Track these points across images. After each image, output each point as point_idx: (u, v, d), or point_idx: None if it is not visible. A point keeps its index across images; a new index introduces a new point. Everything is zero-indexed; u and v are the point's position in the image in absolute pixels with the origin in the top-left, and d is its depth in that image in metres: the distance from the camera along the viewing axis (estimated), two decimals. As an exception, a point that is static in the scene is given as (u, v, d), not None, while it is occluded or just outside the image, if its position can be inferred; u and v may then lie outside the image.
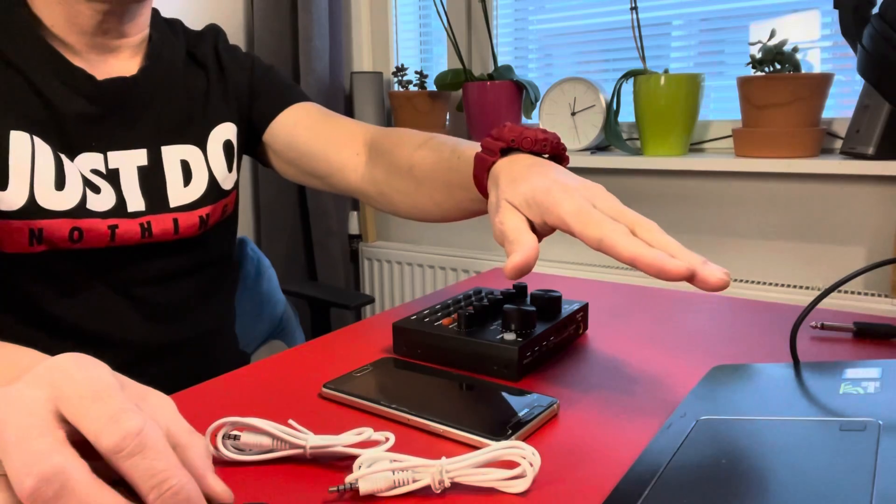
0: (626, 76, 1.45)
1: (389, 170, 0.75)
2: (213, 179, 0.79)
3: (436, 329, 0.58)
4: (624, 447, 0.43)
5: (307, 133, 0.83)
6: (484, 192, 0.59)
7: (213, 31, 0.87)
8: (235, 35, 1.78)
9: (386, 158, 0.76)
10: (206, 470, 0.32)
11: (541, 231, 0.50)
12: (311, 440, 0.41)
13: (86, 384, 0.29)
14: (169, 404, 0.34)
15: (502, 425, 0.44)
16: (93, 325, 0.72)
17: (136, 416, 0.29)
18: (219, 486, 0.32)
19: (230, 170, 0.81)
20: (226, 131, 0.81)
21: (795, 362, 0.51)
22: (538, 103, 1.60)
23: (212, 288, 0.83)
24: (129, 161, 0.73)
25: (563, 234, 1.64)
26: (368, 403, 0.48)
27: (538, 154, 0.57)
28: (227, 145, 0.81)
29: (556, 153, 0.58)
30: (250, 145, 0.88)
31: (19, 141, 0.65)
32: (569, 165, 0.59)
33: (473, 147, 0.64)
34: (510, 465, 0.38)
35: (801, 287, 1.36)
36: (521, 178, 0.52)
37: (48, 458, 0.27)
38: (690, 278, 0.42)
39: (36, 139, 0.66)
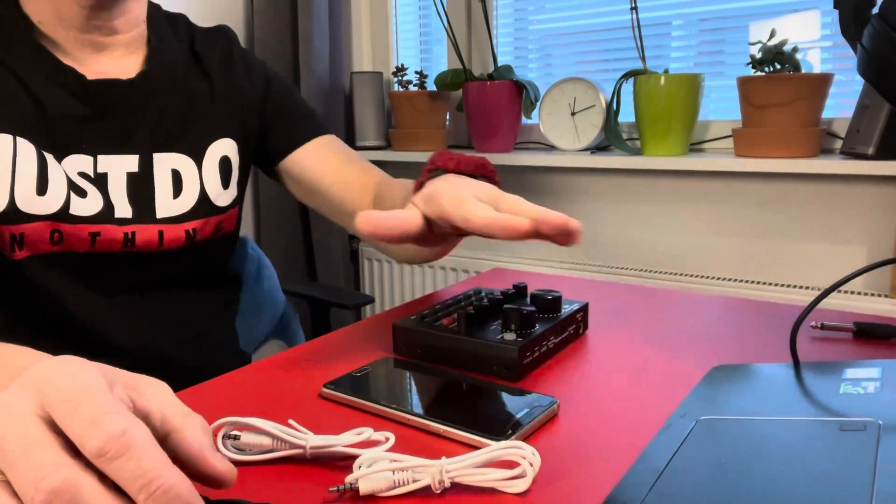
0: (626, 76, 1.45)
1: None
2: (204, 194, 0.77)
3: (436, 329, 0.58)
4: (624, 447, 0.43)
5: (330, 172, 0.86)
6: None
7: (225, 36, 0.84)
8: (235, 35, 1.78)
9: (384, 206, 0.81)
10: (205, 449, 0.31)
11: (437, 230, 0.55)
12: (311, 440, 0.41)
13: (69, 388, 0.29)
14: (163, 389, 0.33)
15: (502, 425, 0.44)
16: (83, 331, 0.71)
17: (119, 417, 0.28)
18: (220, 464, 0.31)
19: (226, 186, 0.79)
20: (224, 147, 0.79)
21: (795, 362, 0.51)
22: (538, 103, 1.60)
23: (202, 295, 0.81)
24: (119, 166, 0.72)
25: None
26: (368, 403, 0.48)
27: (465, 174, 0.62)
28: (225, 161, 0.79)
29: (481, 173, 0.63)
30: (260, 162, 0.88)
31: (1, 143, 0.64)
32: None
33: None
34: (510, 465, 0.38)
35: (801, 287, 1.36)
36: (432, 186, 0.57)
37: (56, 471, 0.27)
38: (537, 231, 0.48)
39: (20, 141, 0.65)
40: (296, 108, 0.88)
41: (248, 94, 0.83)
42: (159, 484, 0.28)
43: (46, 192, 0.66)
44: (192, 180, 0.76)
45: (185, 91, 0.78)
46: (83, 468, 0.28)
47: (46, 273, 0.69)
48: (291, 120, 0.87)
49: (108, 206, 0.70)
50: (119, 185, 0.72)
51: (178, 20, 0.82)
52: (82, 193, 0.69)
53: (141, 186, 0.73)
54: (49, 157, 0.67)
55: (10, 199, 0.64)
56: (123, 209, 0.71)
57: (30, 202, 0.65)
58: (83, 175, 0.70)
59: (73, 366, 0.30)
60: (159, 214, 0.74)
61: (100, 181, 0.71)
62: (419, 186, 0.63)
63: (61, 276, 0.70)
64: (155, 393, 0.32)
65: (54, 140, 0.68)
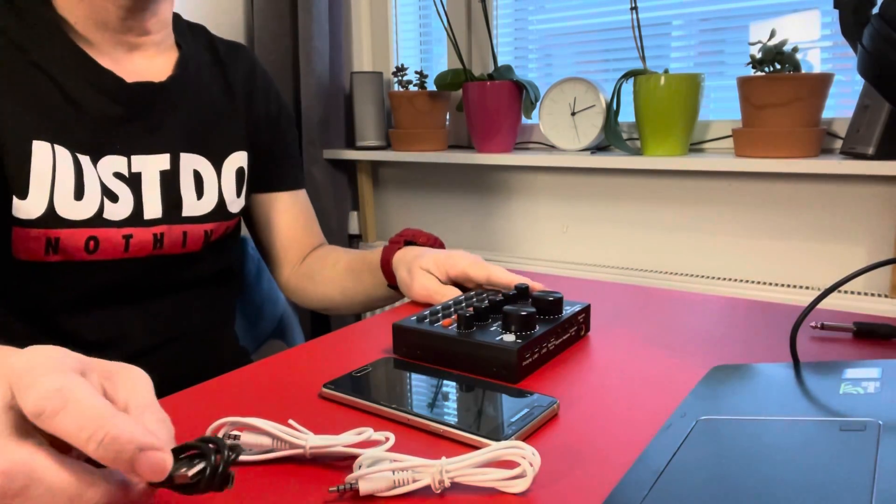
0: (626, 76, 1.45)
1: (313, 268, 0.94)
2: (221, 198, 0.80)
3: (436, 329, 0.58)
4: (624, 447, 0.43)
5: (289, 224, 0.94)
6: (388, 272, 0.81)
7: (248, 56, 0.90)
8: (235, 35, 1.77)
9: (311, 261, 0.95)
10: (141, 441, 0.29)
11: (445, 283, 0.75)
12: (311, 440, 0.41)
13: (22, 368, 0.29)
14: (139, 380, 0.32)
15: (502, 425, 0.44)
16: (100, 331, 0.72)
17: (56, 377, 0.28)
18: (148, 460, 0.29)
19: (238, 195, 0.83)
20: (241, 159, 0.83)
21: (795, 362, 0.51)
22: (538, 103, 1.60)
23: (204, 295, 0.84)
24: (153, 165, 0.74)
25: (566, 236, 1.64)
26: (368, 403, 0.48)
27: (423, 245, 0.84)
28: (240, 172, 0.83)
29: (437, 245, 0.85)
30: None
31: (41, 151, 0.65)
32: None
33: (377, 250, 0.85)
34: (510, 465, 0.38)
35: (801, 287, 1.36)
36: (422, 254, 0.77)
37: (8, 454, 0.27)
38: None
39: (57, 148, 0.66)
40: (293, 151, 0.95)
41: (262, 116, 0.89)
42: (105, 432, 0.27)
43: (83, 197, 0.68)
44: (212, 184, 0.80)
45: (211, 98, 0.81)
46: (37, 447, 0.28)
47: (73, 278, 0.70)
48: (286, 161, 0.94)
49: (139, 208, 0.72)
50: (152, 184, 0.74)
51: (198, 29, 0.86)
52: (114, 198, 0.70)
53: (171, 185, 0.75)
54: (84, 161, 0.68)
55: (49, 204, 0.66)
56: (153, 209, 0.74)
57: (68, 208, 0.67)
58: (118, 175, 0.71)
59: (34, 351, 0.30)
60: (185, 213, 0.76)
61: (134, 181, 0.72)
62: (395, 251, 0.81)
63: (87, 282, 0.71)
64: (127, 383, 0.32)
65: (90, 142, 0.69)
